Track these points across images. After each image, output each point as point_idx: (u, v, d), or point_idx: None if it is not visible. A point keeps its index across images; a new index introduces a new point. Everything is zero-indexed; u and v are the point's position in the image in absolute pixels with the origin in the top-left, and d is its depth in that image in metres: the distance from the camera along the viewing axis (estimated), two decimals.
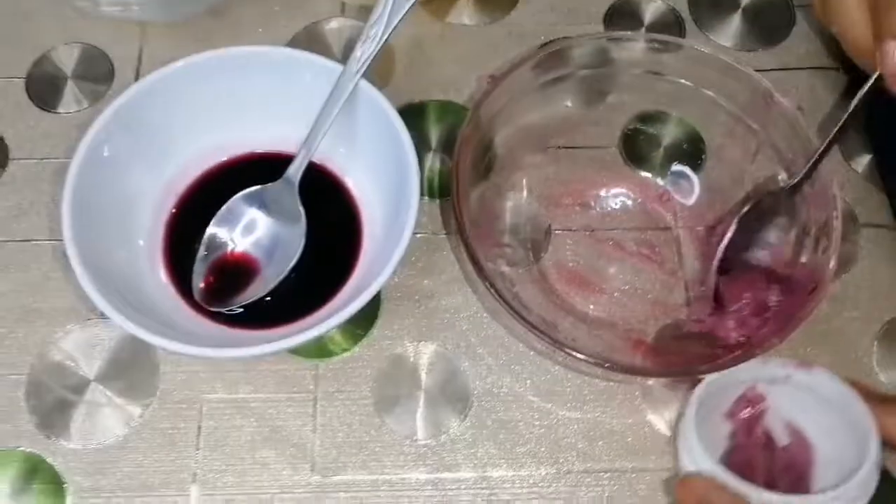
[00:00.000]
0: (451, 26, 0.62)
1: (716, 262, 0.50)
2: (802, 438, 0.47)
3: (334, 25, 0.61)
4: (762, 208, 0.50)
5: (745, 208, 0.50)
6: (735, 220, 0.50)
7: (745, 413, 0.47)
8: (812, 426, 0.47)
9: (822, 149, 0.46)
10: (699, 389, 0.45)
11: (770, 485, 0.44)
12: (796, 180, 0.48)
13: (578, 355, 0.43)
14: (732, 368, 0.44)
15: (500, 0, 0.63)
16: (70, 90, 0.58)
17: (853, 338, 0.52)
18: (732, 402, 0.47)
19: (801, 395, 0.46)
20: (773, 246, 0.50)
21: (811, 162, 0.47)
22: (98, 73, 0.59)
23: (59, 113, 0.58)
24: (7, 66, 0.59)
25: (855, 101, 0.45)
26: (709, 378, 0.45)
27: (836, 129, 0.46)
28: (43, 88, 0.58)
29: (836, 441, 0.45)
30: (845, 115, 0.45)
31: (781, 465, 0.46)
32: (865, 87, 0.44)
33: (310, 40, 0.61)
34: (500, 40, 0.61)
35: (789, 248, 0.50)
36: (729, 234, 0.50)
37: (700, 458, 0.44)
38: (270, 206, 0.51)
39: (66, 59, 0.59)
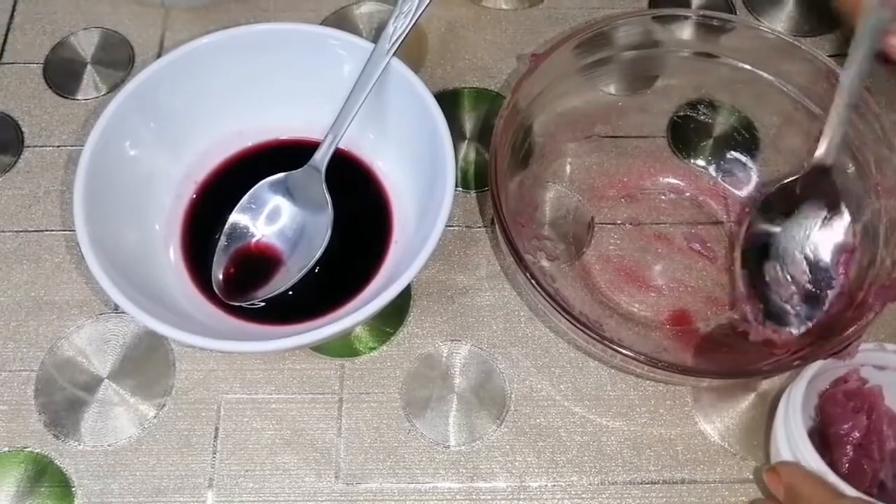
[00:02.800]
0: (486, 10, 0.59)
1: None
2: None
3: (364, 10, 0.58)
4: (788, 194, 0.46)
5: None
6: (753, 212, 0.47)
7: (850, 402, 0.43)
8: None
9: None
10: (808, 372, 0.41)
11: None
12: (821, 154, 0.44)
13: (628, 353, 0.40)
14: None
15: None
16: (89, 76, 0.56)
17: None
18: (829, 384, 0.44)
19: None
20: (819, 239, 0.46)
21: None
22: (118, 59, 0.57)
23: (78, 99, 0.55)
24: (25, 51, 0.57)
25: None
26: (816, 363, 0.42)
27: None
28: (61, 74, 0.56)
29: None
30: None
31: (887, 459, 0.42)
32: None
33: (339, 25, 0.57)
34: (539, 25, 0.58)
35: (849, 241, 0.46)
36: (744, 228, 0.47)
37: (801, 445, 0.40)
38: (295, 194, 0.48)
39: (86, 45, 0.57)
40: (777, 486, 0.40)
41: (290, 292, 0.47)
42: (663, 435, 0.46)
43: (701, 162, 0.52)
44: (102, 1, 0.58)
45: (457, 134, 0.54)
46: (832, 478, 0.38)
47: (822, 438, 0.43)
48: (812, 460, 0.39)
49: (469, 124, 0.54)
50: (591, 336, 0.40)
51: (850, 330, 0.39)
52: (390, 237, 0.48)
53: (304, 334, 0.39)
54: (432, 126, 0.44)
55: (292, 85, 0.49)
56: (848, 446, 0.42)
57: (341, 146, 0.49)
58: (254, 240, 0.47)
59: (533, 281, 0.41)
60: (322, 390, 0.47)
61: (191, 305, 0.46)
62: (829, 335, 0.41)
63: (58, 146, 0.53)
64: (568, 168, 0.51)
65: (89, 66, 0.56)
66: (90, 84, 0.56)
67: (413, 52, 0.57)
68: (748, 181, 0.51)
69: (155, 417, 0.46)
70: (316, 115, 0.49)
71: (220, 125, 0.49)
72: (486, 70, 0.56)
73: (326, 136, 0.47)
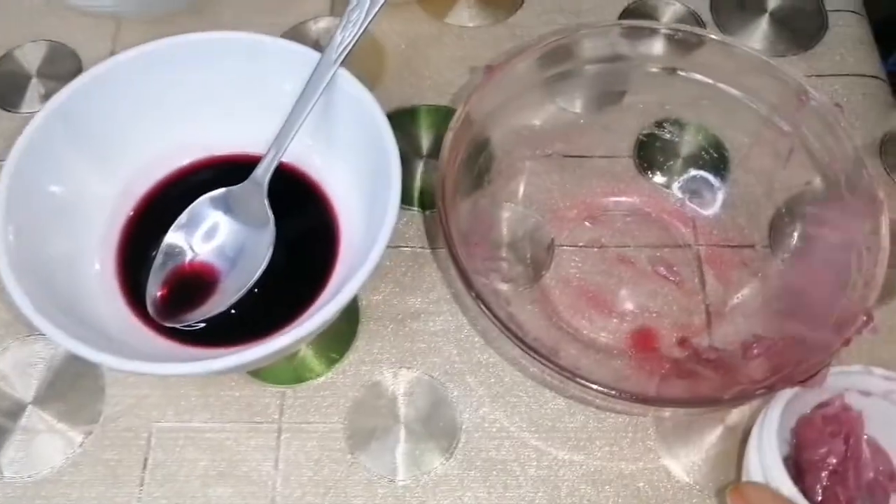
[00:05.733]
0: (449, 27, 0.57)
1: None
2: (885, 459, 0.40)
3: (323, 25, 0.56)
4: None
5: None
6: None
7: (828, 427, 0.40)
8: None
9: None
10: (784, 396, 0.39)
11: None
12: None
13: (581, 381, 0.37)
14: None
15: (503, 0, 0.58)
16: (34, 89, 0.54)
17: None
18: (811, 408, 0.41)
19: None
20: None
21: None
22: (65, 72, 0.54)
23: (22, 112, 0.53)
24: None
25: None
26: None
27: None
28: (4, 87, 0.54)
29: None
30: None
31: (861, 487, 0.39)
32: None
33: (297, 40, 0.55)
34: (504, 42, 0.56)
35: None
36: None
37: (772, 464, 0.37)
38: (236, 210, 0.45)
39: (32, 57, 0.55)
40: None
41: (233, 312, 0.44)
42: (624, 470, 0.43)
43: (667, 182, 0.50)
44: (52, 13, 0.56)
45: (413, 152, 0.51)
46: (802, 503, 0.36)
47: (797, 464, 0.40)
48: (784, 486, 0.36)
49: (427, 142, 0.52)
50: (542, 362, 0.37)
51: (814, 359, 0.37)
52: (336, 255, 0.45)
53: (228, 357, 0.36)
54: (379, 139, 0.42)
55: (237, 97, 0.46)
56: (823, 472, 0.39)
57: (289, 161, 0.47)
58: (191, 258, 0.45)
59: (479, 302, 0.38)
60: (261, 419, 0.44)
61: (122, 328, 0.43)
62: (798, 363, 0.38)
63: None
64: (527, 187, 0.49)
65: (34, 80, 0.54)
66: (34, 97, 0.53)
67: (371, 67, 0.55)
68: (716, 202, 0.49)
69: (81, 446, 0.43)
70: (263, 129, 0.46)
71: (159, 140, 0.46)
72: (447, 87, 0.54)
73: (269, 149, 0.44)
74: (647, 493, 0.42)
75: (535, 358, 0.38)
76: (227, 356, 0.37)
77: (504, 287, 0.46)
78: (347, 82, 0.44)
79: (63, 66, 0.55)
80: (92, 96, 0.44)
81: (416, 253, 0.48)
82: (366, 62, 0.55)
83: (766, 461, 0.37)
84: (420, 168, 0.51)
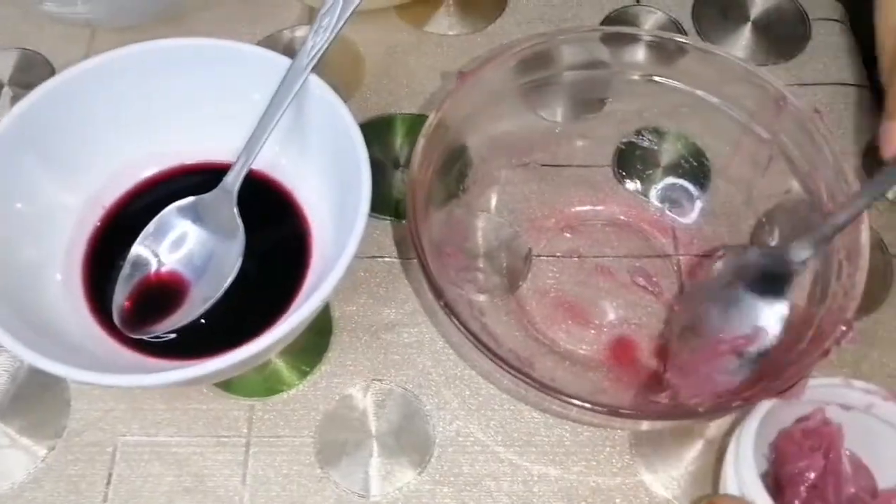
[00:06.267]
0: (429, 35, 0.56)
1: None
2: (867, 475, 0.39)
3: (300, 34, 0.56)
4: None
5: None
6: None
7: (807, 441, 0.39)
8: (885, 465, 0.39)
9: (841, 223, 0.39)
10: (761, 408, 0.38)
11: None
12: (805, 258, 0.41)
13: (554, 393, 0.36)
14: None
15: (483, 8, 0.57)
16: (5, 97, 0.53)
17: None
18: (793, 422, 0.40)
19: (882, 429, 0.39)
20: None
21: (828, 235, 0.40)
22: (38, 80, 0.51)
23: None
24: None
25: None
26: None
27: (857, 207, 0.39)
28: None
29: None
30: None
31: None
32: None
33: (274, 49, 0.54)
34: (483, 51, 0.55)
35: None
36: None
37: (749, 480, 0.36)
38: (206, 219, 0.44)
39: (4, 65, 0.54)
40: None
41: (203, 323, 0.43)
42: (601, 485, 0.42)
43: (647, 192, 0.49)
44: (24, 20, 0.55)
45: (391, 161, 0.51)
46: None
47: (777, 479, 0.39)
48: (759, 499, 0.35)
49: (404, 151, 0.51)
50: (513, 374, 0.36)
51: (792, 370, 0.36)
52: (308, 264, 0.44)
53: (190, 368, 0.35)
54: (350, 146, 0.41)
55: (207, 105, 0.46)
56: (801, 487, 0.38)
57: (261, 169, 0.46)
58: (159, 268, 0.44)
59: (449, 312, 0.37)
60: (229, 433, 0.43)
61: (88, 340, 0.42)
62: (776, 374, 0.37)
63: None
64: (504, 196, 0.48)
65: (6, 87, 0.53)
66: (5, 106, 0.53)
67: (349, 76, 0.54)
68: (696, 212, 0.48)
69: (43, 461, 0.42)
70: (234, 137, 0.45)
71: (128, 148, 0.46)
72: (425, 96, 0.53)
73: (239, 157, 0.43)
74: None
75: (506, 370, 0.37)
76: (190, 367, 0.36)
77: (479, 298, 0.45)
78: (319, 89, 0.43)
79: (36, 75, 0.54)
80: (57, 103, 0.43)
81: (391, 264, 0.48)
82: (344, 70, 0.54)
83: (742, 475, 0.36)
84: (397, 177, 0.50)
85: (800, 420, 0.40)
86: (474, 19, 0.57)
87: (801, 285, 0.42)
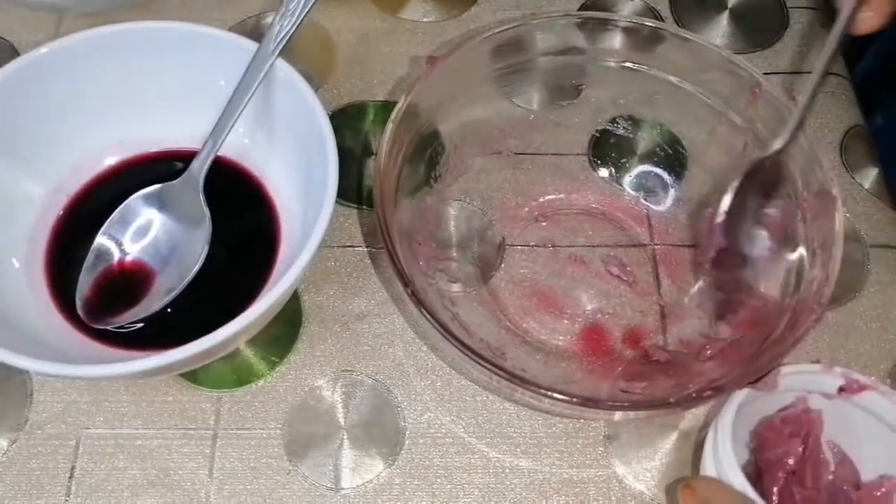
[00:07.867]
0: (403, 21, 0.55)
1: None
2: (851, 467, 0.39)
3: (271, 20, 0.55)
4: (750, 186, 0.42)
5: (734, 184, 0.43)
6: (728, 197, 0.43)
7: (787, 428, 0.39)
8: (868, 456, 0.39)
9: (806, 102, 0.40)
10: (737, 397, 0.37)
11: None
12: (783, 145, 0.41)
13: (521, 384, 0.35)
14: (784, 376, 0.37)
15: None
16: None
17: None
18: (775, 412, 0.39)
19: (866, 421, 0.38)
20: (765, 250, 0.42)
21: (796, 121, 0.40)
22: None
23: None
24: None
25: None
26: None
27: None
28: None
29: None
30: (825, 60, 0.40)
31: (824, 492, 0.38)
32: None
33: (246, 36, 0.54)
34: (457, 38, 0.54)
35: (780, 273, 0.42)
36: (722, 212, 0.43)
37: (728, 468, 0.36)
38: (171, 207, 0.43)
39: None
40: (691, 501, 0.36)
41: (169, 312, 0.42)
42: (574, 477, 0.41)
43: (622, 180, 0.48)
44: None
45: (362, 149, 0.50)
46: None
47: (756, 467, 0.39)
48: (737, 485, 0.35)
49: (376, 139, 0.50)
50: (482, 364, 0.36)
51: (765, 359, 0.35)
52: (276, 252, 0.43)
53: (150, 358, 0.34)
54: (317, 131, 0.40)
55: (173, 91, 0.45)
56: (780, 472, 0.38)
57: (230, 156, 0.45)
58: (123, 258, 0.43)
59: (415, 301, 0.36)
60: (195, 425, 0.42)
61: (50, 331, 0.41)
62: (748, 363, 0.37)
63: None
64: (477, 185, 0.47)
65: None
66: None
67: (322, 63, 0.53)
68: (671, 200, 0.47)
69: (4, 455, 0.41)
70: (200, 124, 0.44)
71: (92, 135, 0.45)
72: (399, 83, 0.53)
73: (205, 143, 0.43)
74: (597, 500, 0.41)
75: (474, 360, 0.36)
76: (154, 357, 0.35)
77: (451, 288, 0.44)
78: (286, 74, 0.42)
79: (1, 61, 0.53)
80: (17, 89, 0.42)
81: (361, 253, 0.47)
82: (316, 57, 0.53)
83: (720, 463, 0.36)
84: (369, 166, 0.49)
85: (782, 409, 0.39)
86: (450, 6, 0.56)
87: (775, 276, 0.42)
